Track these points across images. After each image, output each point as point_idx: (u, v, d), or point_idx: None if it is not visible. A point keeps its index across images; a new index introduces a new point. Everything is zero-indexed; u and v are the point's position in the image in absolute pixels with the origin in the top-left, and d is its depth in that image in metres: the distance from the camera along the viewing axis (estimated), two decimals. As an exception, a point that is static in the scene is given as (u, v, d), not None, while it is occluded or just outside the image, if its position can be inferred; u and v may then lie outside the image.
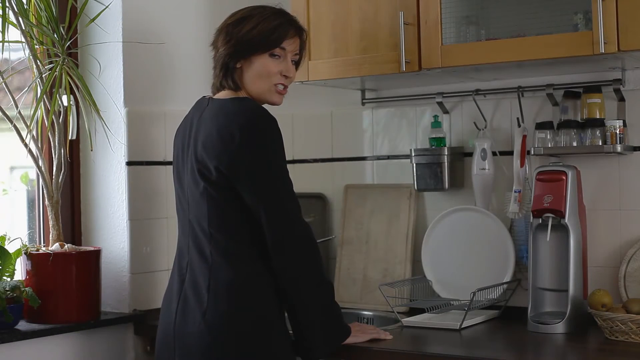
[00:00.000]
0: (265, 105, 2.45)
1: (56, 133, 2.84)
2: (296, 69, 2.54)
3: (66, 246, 2.84)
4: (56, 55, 2.83)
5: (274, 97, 2.48)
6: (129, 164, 2.98)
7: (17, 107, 2.76)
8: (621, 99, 2.79)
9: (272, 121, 2.35)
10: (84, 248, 2.94)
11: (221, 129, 2.34)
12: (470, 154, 3.03)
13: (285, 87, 2.50)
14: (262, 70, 2.44)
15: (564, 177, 2.69)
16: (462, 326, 2.71)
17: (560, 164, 2.77)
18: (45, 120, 2.85)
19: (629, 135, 2.78)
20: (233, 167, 2.30)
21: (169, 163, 2.84)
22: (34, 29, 2.80)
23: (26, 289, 2.72)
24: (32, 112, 2.78)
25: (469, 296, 2.74)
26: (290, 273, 2.34)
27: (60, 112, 2.85)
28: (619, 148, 2.70)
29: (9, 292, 2.66)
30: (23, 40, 2.79)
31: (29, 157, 2.81)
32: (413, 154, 3.09)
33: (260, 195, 2.31)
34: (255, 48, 2.43)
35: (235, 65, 2.45)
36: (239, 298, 2.34)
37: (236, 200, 2.34)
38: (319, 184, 3.41)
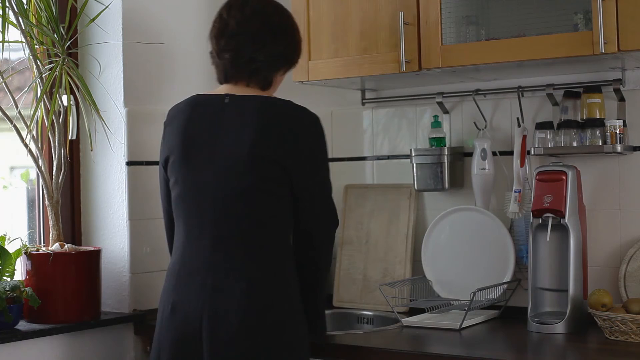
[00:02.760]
0: None
1: (56, 133, 2.85)
2: None
3: (66, 246, 2.84)
4: (56, 55, 2.83)
5: None
6: (129, 164, 2.98)
7: (17, 107, 2.76)
8: (621, 99, 2.79)
9: (321, 123, 2.47)
10: (84, 248, 2.94)
11: (282, 126, 2.36)
12: (470, 154, 3.03)
13: None
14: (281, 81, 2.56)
15: (564, 177, 2.69)
16: (462, 326, 2.71)
17: (560, 164, 2.77)
18: (45, 120, 2.85)
19: (629, 135, 2.78)
20: (298, 164, 2.36)
21: (169, 163, 2.84)
22: (34, 29, 2.80)
23: (26, 289, 2.72)
24: (32, 112, 2.78)
25: (469, 296, 2.74)
26: (320, 264, 2.49)
27: (60, 112, 2.85)
28: (619, 148, 2.70)
29: (9, 292, 2.66)
30: (23, 40, 2.79)
31: (29, 157, 2.81)
32: (413, 154, 3.09)
33: (313, 190, 2.43)
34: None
35: (280, 72, 2.51)
36: (276, 292, 2.34)
37: (281, 196, 2.36)
38: (319, 184, 3.41)
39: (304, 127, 2.39)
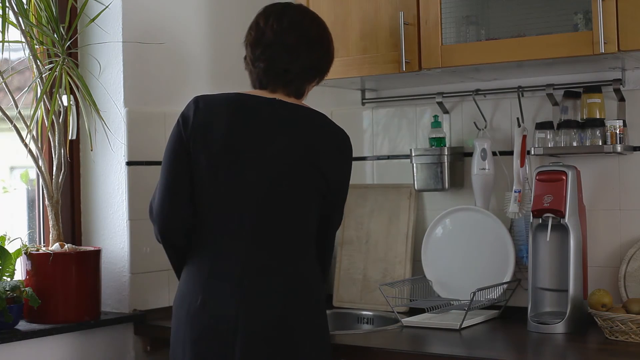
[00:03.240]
0: None
1: (56, 133, 2.85)
2: None
3: (66, 246, 2.84)
4: (56, 55, 2.83)
5: None
6: (129, 164, 2.98)
7: (17, 107, 2.76)
8: (621, 99, 2.79)
9: None
10: (84, 248, 2.94)
11: (329, 140, 2.43)
12: (470, 154, 3.03)
13: None
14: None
15: (564, 177, 2.69)
16: (462, 326, 2.71)
17: (560, 164, 2.77)
18: (45, 120, 2.85)
19: (629, 135, 2.78)
20: (338, 180, 2.45)
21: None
22: (34, 29, 2.80)
23: (26, 289, 2.72)
24: (32, 112, 2.78)
25: (469, 296, 2.74)
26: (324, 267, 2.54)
27: (60, 112, 2.85)
28: (619, 148, 2.70)
29: (9, 292, 2.66)
30: (23, 40, 2.79)
31: (29, 157, 2.81)
32: (413, 154, 3.09)
33: (339, 205, 2.51)
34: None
35: (313, 83, 2.54)
36: (310, 292, 2.39)
37: (316, 204, 2.41)
38: (319, 184, 3.41)
39: (348, 150, 2.48)
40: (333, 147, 2.43)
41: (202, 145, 2.36)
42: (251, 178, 2.35)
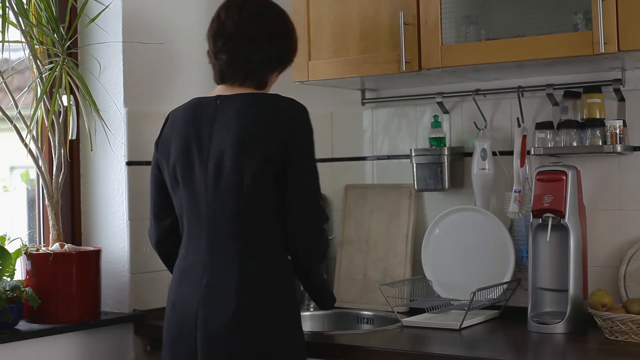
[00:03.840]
0: None
1: (56, 133, 2.85)
2: None
3: (66, 246, 2.84)
4: (56, 55, 2.83)
5: None
6: (129, 164, 2.98)
7: (17, 107, 2.76)
8: (621, 99, 2.79)
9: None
10: (84, 248, 2.94)
11: (267, 118, 2.37)
12: (470, 154, 3.03)
13: None
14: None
15: (564, 177, 2.69)
16: (462, 326, 2.71)
17: (560, 164, 2.77)
18: (45, 120, 2.85)
19: (629, 135, 2.78)
20: (284, 153, 2.35)
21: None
22: (34, 29, 2.80)
23: (26, 289, 2.72)
24: (32, 112, 2.78)
25: (469, 296, 2.74)
26: (312, 259, 2.46)
27: (60, 112, 2.85)
28: (619, 148, 2.70)
29: (9, 292, 2.66)
30: (23, 40, 2.79)
31: (29, 157, 2.81)
32: (413, 154, 3.09)
33: (301, 184, 2.38)
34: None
35: (275, 73, 2.53)
36: (267, 289, 2.36)
37: (270, 192, 2.36)
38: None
39: (292, 119, 2.39)
40: (273, 124, 2.37)
41: (165, 159, 2.48)
42: (203, 179, 2.40)
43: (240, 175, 2.35)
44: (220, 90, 2.49)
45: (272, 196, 2.36)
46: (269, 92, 2.49)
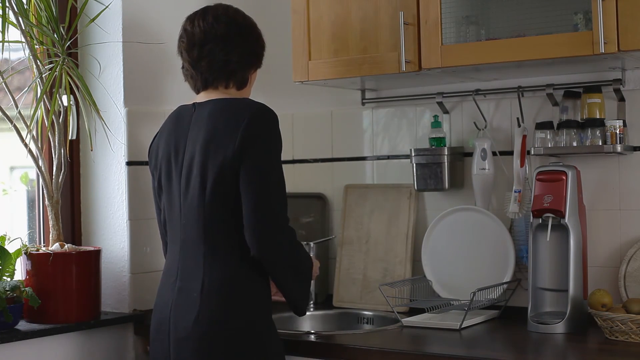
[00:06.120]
0: None
1: (56, 133, 2.85)
2: None
3: (66, 246, 2.84)
4: (56, 55, 2.83)
5: None
6: (129, 164, 2.98)
7: (17, 107, 2.76)
8: (621, 99, 2.79)
9: (276, 117, 2.43)
10: (84, 248, 2.94)
11: (229, 121, 2.39)
12: (470, 154, 3.03)
13: None
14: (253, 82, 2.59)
15: (564, 177, 2.69)
16: (462, 326, 2.71)
17: (560, 164, 2.77)
18: (45, 120, 2.86)
19: (629, 135, 2.78)
20: (239, 153, 2.34)
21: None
22: (34, 29, 2.80)
23: (26, 289, 2.72)
24: (32, 112, 2.78)
25: (469, 296, 2.74)
26: (267, 263, 2.39)
27: (60, 112, 2.86)
28: (619, 148, 2.70)
29: (9, 292, 2.66)
30: (23, 40, 2.79)
31: (29, 157, 2.81)
32: (413, 154, 3.09)
33: (254, 188, 2.34)
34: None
35: (252, 70, 2.55)
36: (231, 296, 2.38)
37: (230, 199, 2.37)
38: (319, 184, 3.41)
39: (250, 123, 2.36)
40: (230, 125, 2.37)
41: (154, 168, 2.56)
42: (176, 187, 2.46)
43: (204, 181, 2.39)
44: (200, 97, 2.53)
45: (234, 200, 2.38)
46: (245, 96, 2.51)
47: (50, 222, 2.84)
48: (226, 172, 2.36)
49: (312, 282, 3.08)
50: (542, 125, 2.83)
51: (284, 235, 2.40)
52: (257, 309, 2.42)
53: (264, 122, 2.39)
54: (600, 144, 2.73)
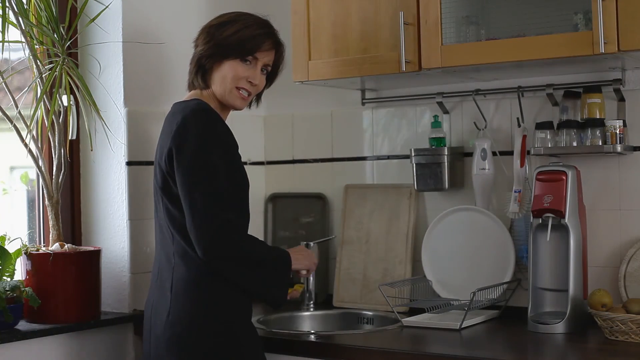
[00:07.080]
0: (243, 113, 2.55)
1: (56, 133, 2.85)
2: (271, 82, 2.64)
3: (66, 246, 2.84)
4: (56, 55, 2.83)
5: (236, 101, 2.54)
6: (129, 164, 2.98)
7: (17, 107, 2.76)
8: (621, 99, 2.79)
9: (211, 116, 2.41)
10: (84, 248, 2.94)
11: (170, 125, 2.45)
12: (470, 154, 3.03)
13: (250, 93, 2.55)
14: (229, 72, 2.50)
15: (564, 177, 2.69)
16: (462, 326, 2.71)
17: (560, 164, 2.77)
18: (45, 120, 2.86)
19: (629, 135, 2.78)
20: (170, 157, 2.39)
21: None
22: (34, 29, 2.80)
23: (26, 289, 2.72)
24: (32, 112, 2.78)
25: (469, 296, 2.74)
26: (212, 265, 2.38)
27: (60, 112, 2.86)
28: (619, 148, 2.70)
29: (9, 292, 2.66)
30: (23, 40, 2.79)
31: (29, 157, 2.81)
32: (413, 154, 3.09)
33: (185, 184, 2.36)
34: (230, 53, 2.50)
35: (208, 66, 2.53)
36: (197, 296, 2.41)
37: (180, 201, 2.40)
38: (319, 184, 3.41)
39: (179, 126, 2.39)
40: (172, 129, 2.40)
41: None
42: (156, 187, 2.52)
43: (160, 185, 2.45)
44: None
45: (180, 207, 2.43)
46: (217, 92, 2.52)
47: (50, 222, 2.84)
48: (166, 176, 2.42)
49: (311, 279, 3.10)
50: (542, 125, 2.83)
51: (219, 234, 2.32)
52: (227, 308, 2.43)
53: (193, 123, 2.38)
54: (601, 144, 2.73)
